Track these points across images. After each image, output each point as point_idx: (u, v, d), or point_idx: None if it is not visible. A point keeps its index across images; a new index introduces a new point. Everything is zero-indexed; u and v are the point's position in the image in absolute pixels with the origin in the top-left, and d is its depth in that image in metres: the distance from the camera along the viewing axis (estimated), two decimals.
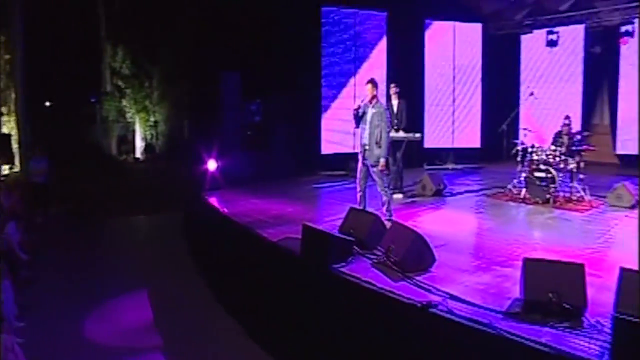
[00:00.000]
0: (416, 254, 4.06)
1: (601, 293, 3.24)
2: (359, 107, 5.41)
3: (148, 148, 19.01)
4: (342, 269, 4.08)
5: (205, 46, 8.62)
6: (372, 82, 5.45)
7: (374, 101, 5.42)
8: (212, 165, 7.69)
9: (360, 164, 5.49)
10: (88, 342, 4.90)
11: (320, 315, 4.06)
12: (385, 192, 5.49)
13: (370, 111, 5.37)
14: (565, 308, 3.03)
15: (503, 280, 3.86)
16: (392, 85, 7.39)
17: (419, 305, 3.31)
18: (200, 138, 8.71)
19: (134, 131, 19.17)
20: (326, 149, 9.34)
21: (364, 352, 3.63)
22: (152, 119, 19.12)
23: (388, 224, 4.92)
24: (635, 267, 3.12)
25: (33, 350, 4.26)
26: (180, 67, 19.17)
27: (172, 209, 9.78)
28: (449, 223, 6.07)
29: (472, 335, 3.02)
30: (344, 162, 9.38)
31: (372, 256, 4.39)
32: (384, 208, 5.43)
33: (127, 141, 19.24)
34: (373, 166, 5.34)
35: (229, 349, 4.69)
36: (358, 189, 5.58)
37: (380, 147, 5.30)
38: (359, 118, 5.44)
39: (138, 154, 19.07)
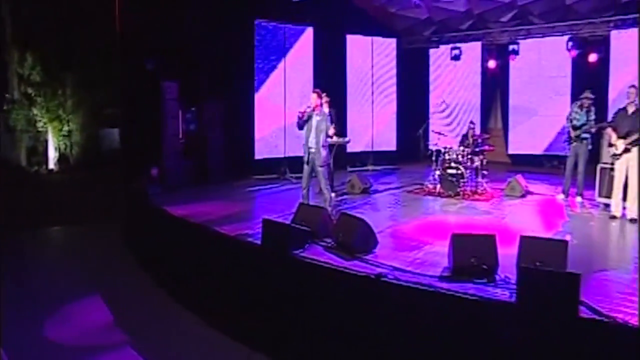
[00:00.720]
0: (363, 238, 4.84)
1: (506, 257, 4.21)
2: (304, 113, 6.10)
3: (62, 158, 18.26)
4: (301, 254, 4.76)
5: (138, 55, 8.81)
6: (317, 92, 6.20)
7: (318, 109, 6.15)
8: (154, 172, 7.97)
9: (305, 165, 6.19)
10: (54, 344, 5.08)
11: (283, 297, 4.68)
12: (328, 189, 6.26)
13: (315, 118, 6.09)
14: (483, 268, 3.96)
15: (433, 255, 4.76)
16: (324, 94, 8.18)
17: (372, 276, 4.08)
18: (138, 146, 8.89)
19: (45, 141, 18.28)
20: (259, 154, 9.92)
21: (325, 325, 4.31)
22: (65, 128, 18.41)
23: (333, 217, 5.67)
24: (528, 235, 4.15)
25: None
26: (98, 74, 18.70)
27: (101, 218, 9.79)
28: (380, 214, 6.99)
29: (416, 295, 3.84)
30: (276, 167, 10.04)
31: (324, 243, 5.10)
32: (327, 203, 6.18)
33: (37, 152, 18.31)
34: (321, 166, 6.07)
35: (193, 339, 5.12)
36: (303, 187, 6.28)
37: (325, 149, 6.06)
38: (303, 122, 6.12)
39: (51, 165, 18.20)
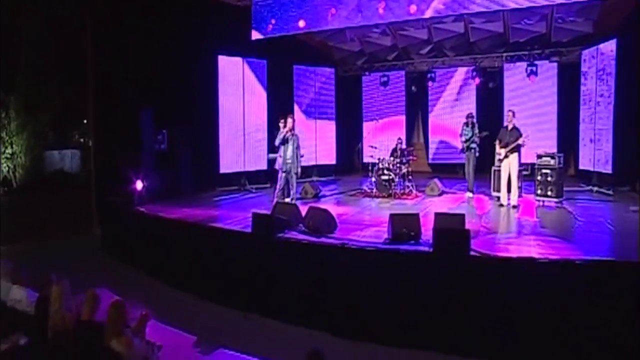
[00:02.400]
0: (327, 223, 6.80)
1: (427, 230, 6.31)
2: (286, 134, 8.05)
3: (5, 181, 18.66)
4: (283, 237, 6.63)
5: (112, 84, 10.24)
6: (292, 117, 8.18)
7: (292, 131, 8.12)
8: (138, 185, 9.47)
9: (282, 173, 8.11)
10: None
11: (271, 269, 6.49)
12: (294, 192, 8.21)
13: (291, 138, 8.08)
14: (411, 235, 6.05)
15: (376, 232, 6.83)
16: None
17: (339, 244, 6.05)
18: (113, 165, 10.23)
19: None
20: (223, 168, 11.63)
21: (305, 283, 6.18)
22: (9, 150, 18.88)
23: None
24: (441, 212, 6.33)
25: None
26: (40, 97, 19.37)
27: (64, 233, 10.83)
28: (333, 210, 8.92)
29: (369, 254, 5.84)
30: (237, 179, 11.79)
31: (298, 229, 7.00)
32: (292, 200, 8.14)
33: None
34: (295, 174, 8.01)
35: (197, 311, 6.71)
36: (279, 189, 8.20)
37: (299, 161, 8.04)
38: (284, 141, 8.06)
39: None
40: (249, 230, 6.96)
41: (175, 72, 10.45)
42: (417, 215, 6.27)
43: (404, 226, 6.14)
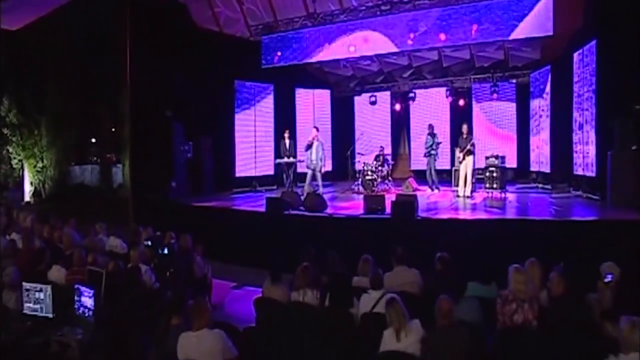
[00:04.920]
0: (320, 203, 9.63)
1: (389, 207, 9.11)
2: (310, 141, 11.04)
3: (35, 192, 21.47)
4: (289, 213, 9.45)
5: (148, 105, 13.16)
6: (316, 127, 11.19)
7: (316, 138, 11.07)
8: (173, 184, 12.37)
9: (310, 171, 11.17)
10: None
11: (279, 239, 9.26)
12: (321, 185, 11.24)
13: (315, 144, 11.08)
14: (378, 209, 8.88)
15: (355, 210, 9.62)
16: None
17: (327, 215, 8.87)
18: (149, 170, 13.07)
19: (21, 177, 21.38)
20: (238, 173, 14.53)
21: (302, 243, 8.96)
22: (40, 164, 21.76)
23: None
24: (401, 194, 9.21)
25: None
26: (68, 116, 22.35)
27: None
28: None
29: (350, 220, 8.65)
30: (249, 182, 14.65)
31: (298, 209, 9.82)
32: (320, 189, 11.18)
33: (7, 187, 21.36)
34: (320, 171, 10.93)
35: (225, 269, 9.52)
36: (306, 184, 11.19)
37: (323, 164, 11.02)
38: (309, 147, 11.16)
39: (27, 197, 21.26)
40: (263, 210, 9.81)
41: (200, 94, 13.39)
42: (383, 195, 9.11)
43: (373, 203, 8.97)
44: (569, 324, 4.05)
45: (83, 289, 4.29)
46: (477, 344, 3.99)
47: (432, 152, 12.43)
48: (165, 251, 6.21)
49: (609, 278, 4.32)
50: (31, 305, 4.39)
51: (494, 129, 15.07)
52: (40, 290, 4.34)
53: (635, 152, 8.78)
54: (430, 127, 12.68)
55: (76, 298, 4.33)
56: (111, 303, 4.30)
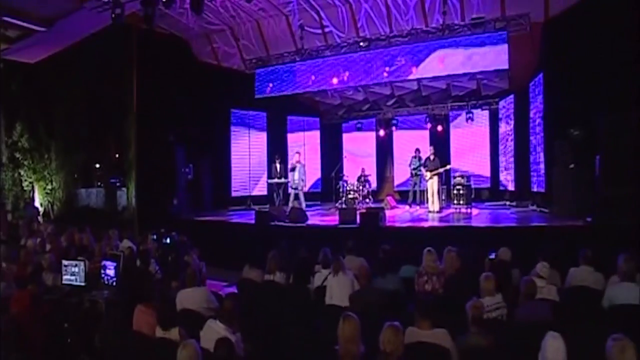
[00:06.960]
0: (301, 216, 11.25)
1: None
2: (293, 164, 12.73)
3: (45, 213, 23.12)
4: (274, 224, 11.07)
5: (152, 131, 14.91)
6: (299, 152, 12.89)
7: (299, 162, 12.76)
8: (175, 202, 14.04)
9: (293, 191, 12.77)
10: None
11: (266, 246, 10.85)
12: (302, 203, 12.83)
13: (298, 166, 12.76)
14: (351, 220, 10.50)
15: (332, 221, 11.24)
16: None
17: (305, 225, 10.49)
18: (159, 189, 14.73)
19: (31, 198, 23.05)
20: (234, 192, 16.21)
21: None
22: (49, 186, 23.47)
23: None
24: (369, 207, 10.85)
25: None
26: (77, 141, 24.15)
27: None
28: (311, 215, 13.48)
29: (326, 229, 10.28)
30: (244, 201, 16.30)
31: (283, 220, 11.44)
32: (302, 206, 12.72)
33: (18, 208, 23.01)
34: (301, 190, 12.60)
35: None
36: (290, 202, 12.80)
37: (304, 184, 12.66)
38: (292, 169, 12.77)
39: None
40: (252, 222, 11.45)
41: (199, 120, 15.16)
42: (355, 209, 10.74)
43: (347, 216, 10.58)
44: (463, 291, 5.63)
45: (108, 263, 5.91)
46: (397, 304, 5.57)
47: (418, 173, 14.05)
48: (168, 240, 7.85)
49: (491, 256, 5.91)
50: (68, 277, 5.98)
51: (469, 152, 16.75)
52: (76, 266, 5.95)
53: (572, 170, 10.41)
54: (417, 150, 14.34)
55: (102, 271, 5.95)
56: (128, 273, 5.92)
